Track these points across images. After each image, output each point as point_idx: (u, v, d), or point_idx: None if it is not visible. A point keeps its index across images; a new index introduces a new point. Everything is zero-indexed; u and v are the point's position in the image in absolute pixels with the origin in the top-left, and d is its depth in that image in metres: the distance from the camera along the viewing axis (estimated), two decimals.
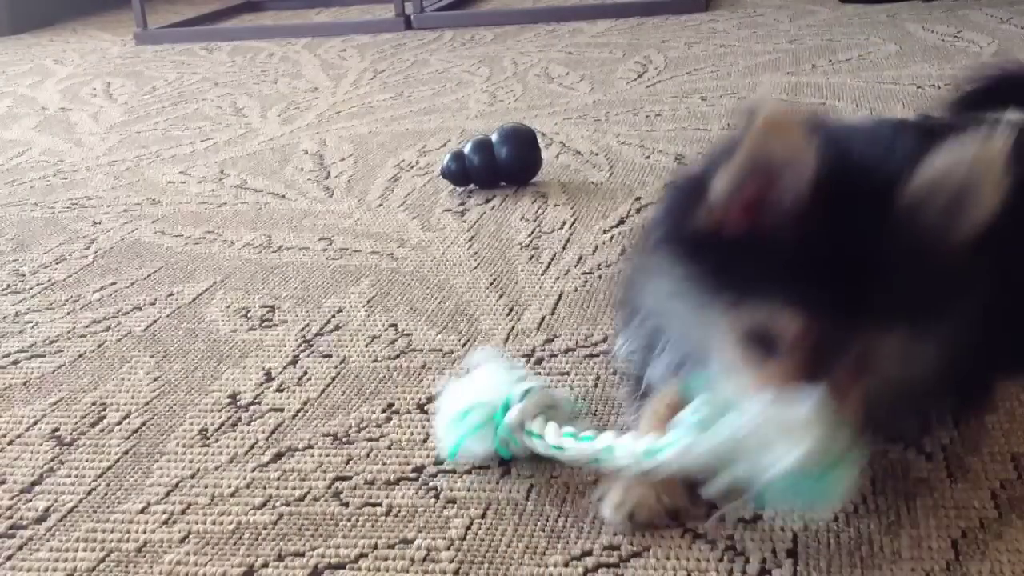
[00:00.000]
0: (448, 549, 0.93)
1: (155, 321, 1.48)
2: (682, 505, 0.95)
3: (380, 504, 1.01)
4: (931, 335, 0.88)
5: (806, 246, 0.85)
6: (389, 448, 1.10)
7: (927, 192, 0.84)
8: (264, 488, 1.05)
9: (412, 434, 1.13)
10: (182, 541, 0.98)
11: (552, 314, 1.39)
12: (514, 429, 1.00)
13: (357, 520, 0.99)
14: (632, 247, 1.05)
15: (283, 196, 2.02)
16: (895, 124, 1.21)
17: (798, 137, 0.83)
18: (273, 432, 1.16)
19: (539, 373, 1.23)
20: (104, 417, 1.22)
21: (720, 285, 0.89)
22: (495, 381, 1.04)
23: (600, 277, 1.51)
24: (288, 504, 1.02)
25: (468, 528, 0.96)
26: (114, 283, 1.64)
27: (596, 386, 1.19)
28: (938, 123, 1.28)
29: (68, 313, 1.54)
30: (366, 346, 1.35)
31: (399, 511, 0.99)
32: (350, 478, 1.05)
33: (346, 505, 1.01)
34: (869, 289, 0.84)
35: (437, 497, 1.01)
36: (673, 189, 1.04)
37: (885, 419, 0.95)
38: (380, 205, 1.92)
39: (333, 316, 1.45)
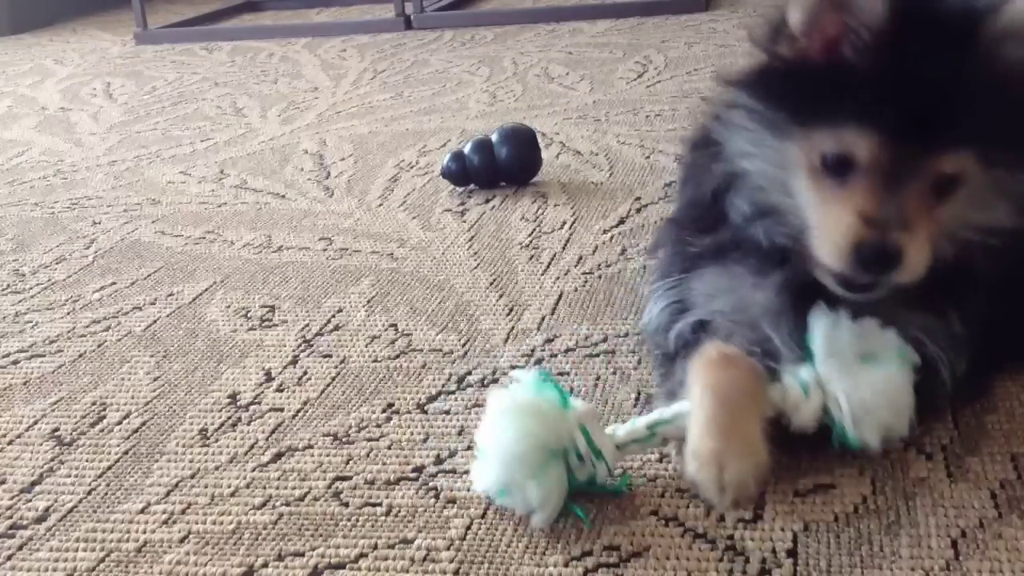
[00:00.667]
0: (448, 549, 0.93)
1: (155, 321, 1.48)
2: (769, 471, 0.92)
3: (380, 504, 1.01)
4: (1005, 170, 0.92)
5: (883, 73, 0.89)
6: (389, 448, 1.10)
7: (1011, 31, 0.88)
8: (264, 488, 1.05)
9: (412, 434, 1.13)
10: (182, 541, 0.98)
11: (552, 314, 1.39)
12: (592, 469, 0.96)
13: (357, 520, 0.99)
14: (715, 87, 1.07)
15: (283, 196, 2.02)
16: None
17: None
18: (273, 432, 1.16)
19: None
20: (104, 417, 1.22)
21: (798, 112, 0.93)
22: (550, 422, 0.96)
23: (600, 277, 1.51)
24: (288, 504, 1.02)
25: (468, 528, 0.96)
26: (114, 283, 1.64)
27: (596, 386, 1.19)
28: None
29: (68, 313, 1.54)
30: (366, 346, 1.35)
31: (399, 511, 0.99)
32: (350, 478, 1.05)
33: (346, 505, 1.01)
34: (944, 115, 0.88)
35: (437, 497, 1.01)
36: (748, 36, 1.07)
37: (955, 266, 0.97)
38: (380, 205, 1.92)
39: (333, 316, 1.45)
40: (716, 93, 1.07)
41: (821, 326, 0.98)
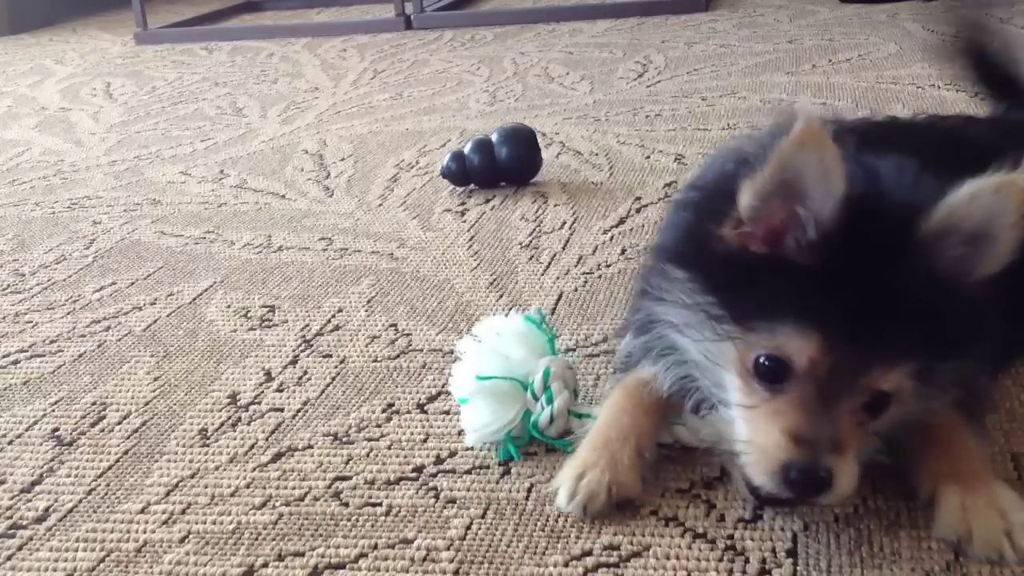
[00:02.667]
0: (448, 549, 0.93)
1: (155, 321, 1.48)
2: (634, 495, 0.96)
3: (380, 504, 1.01)
4: (945, 372, 0.87)
5: (826, 273, 0.83)
6: (389, 448, 1.10)
7: (947, 227, 0.82)
8: (264, 488, 1.05)
9: (412, 434, 1.13)
10: (182, 541, 0.98)
11: (552, 314, 1.39)
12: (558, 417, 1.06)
13: (357, 520, 0.99)
14: (647, 252, 1.05)
15: (283, 196, 2.02)
16: (922, 141, 1.18)
17: (831, 157, 0.81)
18: (273, 432, 1.16)
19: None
20: (104, 417, 1.22)
21: (736, 307, 0.87)
22: (523, 352, 1.09)
23: (600, 277, 1.51)
24: (288, 504, 1.02)
25: (468, 528, 0.96)
26: (114, 283, 1.64)
27: (596, 386, 1.19)
28: (970, 134, 1.27)
29: (68, 313, 1.54)
30: (366, 346, 1.35)
31: (399, 511, 0.99)
32: (350, 478, 1.05)
33: (346, 505, 1.01)
34: (887, 321, 0.82)
35: (437, 497, 1.01)
36: (692, 194, 1.02)
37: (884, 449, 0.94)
38: (380, 205, 1.92)
39: (333, 316, 1.45)
40: (649, 263, 1.03)
41: None
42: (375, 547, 0.94)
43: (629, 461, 0.97)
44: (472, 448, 1.08)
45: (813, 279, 0.84)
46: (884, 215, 0.84)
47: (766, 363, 0.86)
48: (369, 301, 1.49)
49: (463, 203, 1.88)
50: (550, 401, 1.05)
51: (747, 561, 0.89)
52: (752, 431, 0.88)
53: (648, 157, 2.06)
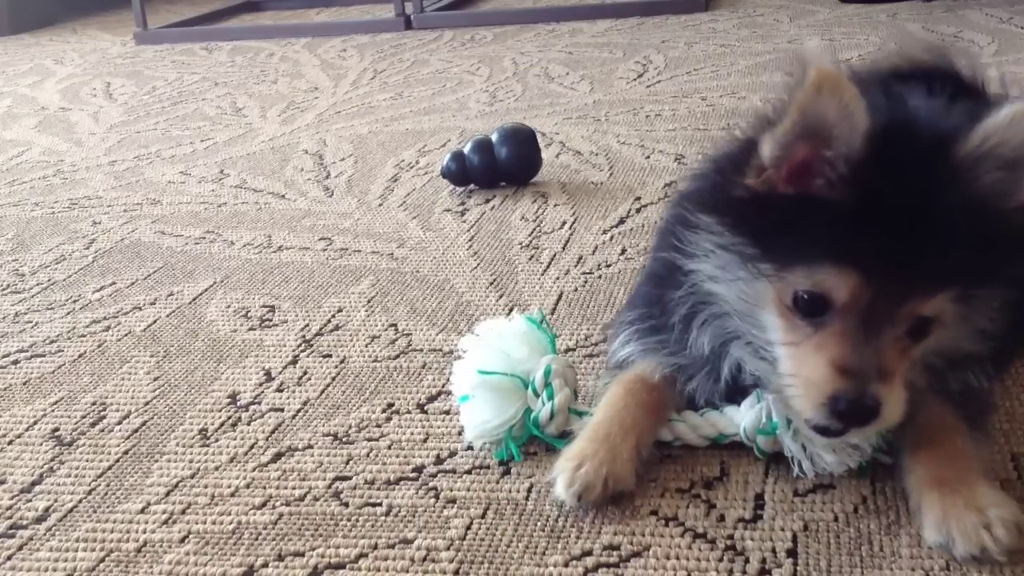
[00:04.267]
0: (448, 549, 0.93)
1: (155, 321, 1.48)
2: (628, 489, 0.97)
3: (380, 504, 1.01)
4: (985, 296, 0.88)
5: (859, 206, 0.83)
6: (389, 448, 1.10)
7: (984, 152, 0.83)
8: (264, 488, 1.05)
9: (412, 434, 1.13)
10: (182, 541, 0.98)
11: (552, 314, 1.39)
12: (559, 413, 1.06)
13: (357, 520, 0.99)
14: (672, 207, 1.03)
15: (283, 196, 2.02)
16: (950, 79, 1.16)
17: (850, 96, 0.81)
18: (273, 432, 1.16)
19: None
20: (104, 417, 1.22)
21: (769, 247, 0.88)
22: (524, 350, 1.09)
23: (600, 277, 1.51)
24: (288, 504, 1.02)
25: (468, 528, 0.96)
26: (114, 283, 1.64)
27: (604, 383, 1.19)
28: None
29: (68, 313, 1.54)
30: (366, 346, 1.35)
31: (399, 511, 0.99)
32: (350, 478, 1.05)
33: (346, 505, 1.01)
34: (924, 250, 0.83)
35: (437, 497, 1.01)
36: (715, 154, 1.01)
37: (936, 384, 0.95)
38: (380, 205, 1.92)
39: (333, 316, 1.45)
40: (669, 215, 1.04)
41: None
42: (375, 547, 0.94)
43: (628, 456, 0.97)
44: (472, 448, 1.08)
45: (847, 213, 0.84)
46: (917, 144, 0.84)
47: (805, 297, 0.86)
48: (369, 301, 1.49)
49: (463, 203, 1.88)
50: (551, 397, 1.05)
51: (747, 561, 0.89)
52: (797, 365, 0.89)
53: (648, 157, 2.06)
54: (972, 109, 0.86)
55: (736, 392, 1.02)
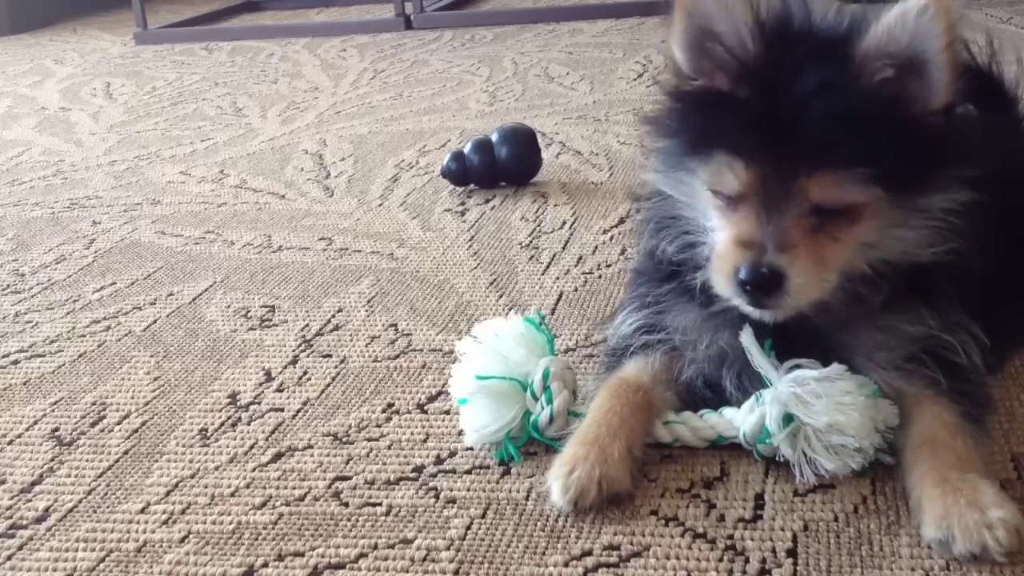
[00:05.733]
0: (448, 549, 0.93)
1: (155, 321, 1.48)
2: (624, 490, 0.97)
3: (380, 504, 1.01)
4: (917, 200, 0.94)
5: (750, 99, 0.92)
6: (389, 448, 1.10)
7: (875, 48, 0.89)
8: (264, 488, 1.05)
9: (412, 434, 1.13)
10: (182, 541, 0.98)
11: (552, 314, 1.39)
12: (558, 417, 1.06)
13: (357, 520, 0.99)
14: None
15: (283, 196, 2.02)
16: None
17: None
18: (273, 432, 1.16)
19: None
20: (104, 417, 1.22)
21: (693, 144, 0.97)
22: (522, 353, 1.09)
23: (600, 277, 1.51)
24: (288, 504, 1.02)
25: (468, 528, 0.96)
26: (114, 283, 1.64)
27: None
28: None
29: (68, 313, 1.54)
30: (366, 346, 1.35)
31: (399, 511, 0.99)
32: (350, 478, 1.05)
33: (346, 505, 1.01)
34: (814, 138, 0.89)
35: (437, 497, 1.01)
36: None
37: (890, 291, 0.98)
38: (380, 205, 1.92)
39: (333, 316, 1.45)
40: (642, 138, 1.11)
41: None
42: (375, 547, 0.94)
43: (619, 456, 0.97)
44: (472, 448, 1.08)
45: (741, 107, 0.93)
46: (809, 41, 0.93)
47: (721, 187, 0.95)
48: (369, 301, 1.49)
49: (463, 203, 1.88)
50: (549, 401, 1.05)
51: (747, 561, 0.89)
52: (717, 248, 0.97)
53: (648, 157, 2.05)
54: (864, 12, 0.92)
55: (733, 356, 1.03)
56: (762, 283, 0.92)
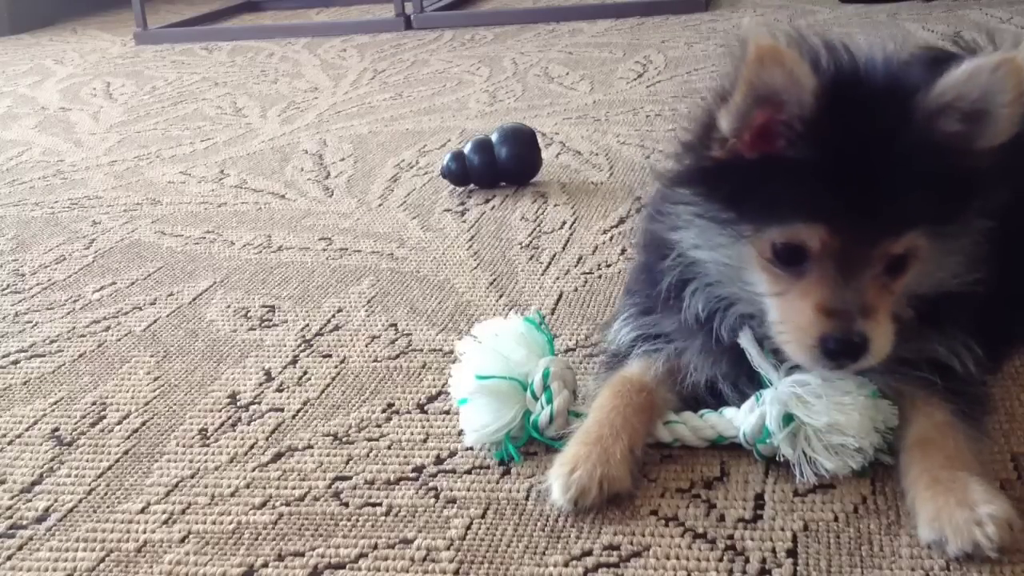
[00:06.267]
0: (448, 549, 0.93)
1: (155, 321, 1.48)
2: (625, 490, 0.97)
3: (380, 504, 1.01)
4: (955, 230, 0.93)
5: (821, 161, 0.88)
6: (389, 448, 1.10)
7: (943, 104, 0.87)
8: (264, 488, 1.05)
9: (412, 434, 1.13)
10: (182, 541, 0.98)
11: (552, 314, 1.39)
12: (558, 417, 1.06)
13: (357, 520, 0.99)
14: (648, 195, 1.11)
15: (283, 196, 2.02)
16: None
17: (792, 61, 0.86)
18: (273, 432, 1.16)
19: None
20: (104, 417, 1.22)
21: (743, 210, 0.92)
22: (522, 352, 1.09)
23: (600, 277, 1.51)
24: (288, 504, 1.02)
25: (468, 528, 0.96)
26: (114, 283, 1.64)
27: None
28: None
29: (68, 313, 1.54)
30: (366, 346, 1.35)
31: (399, 511, 0.99)
32: (350, 478, 1.05)
33: (346, 505, 1.01)
34: (889, 198, 0.88)
35: (437, 497, 1.01)
36: (682, 133, 1.05)
37: (926, 326, 0.98)
38: (380, 205, 1.92)
39: (333, 316, 1.45)
40: (653, 193, 1.08)
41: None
42: (375, 547, 0.94)
43: (621, 456, 0.97)
44: (472, 448, 1.08)
45: (811, 168, 0.88)
46: (872, 97, 0.90)
47: (783, 248, 0.91)
48: (369, 301, 1.49)
49: (463, 203, 1.88)
50: (549, 401, 1.05)
51: (747, 561, 0.89)
52: (784, 313, 0.93)
53: (648, 157, 2.06)
54: (929, 66, 0.91)
55: (732, 362, 1.03)
56: (852, 351, 0.90)
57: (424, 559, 0.92)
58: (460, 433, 1.10)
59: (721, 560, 0.89)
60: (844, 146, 0.88)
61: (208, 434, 1.16)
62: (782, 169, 0.90)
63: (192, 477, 1.08)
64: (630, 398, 1.03)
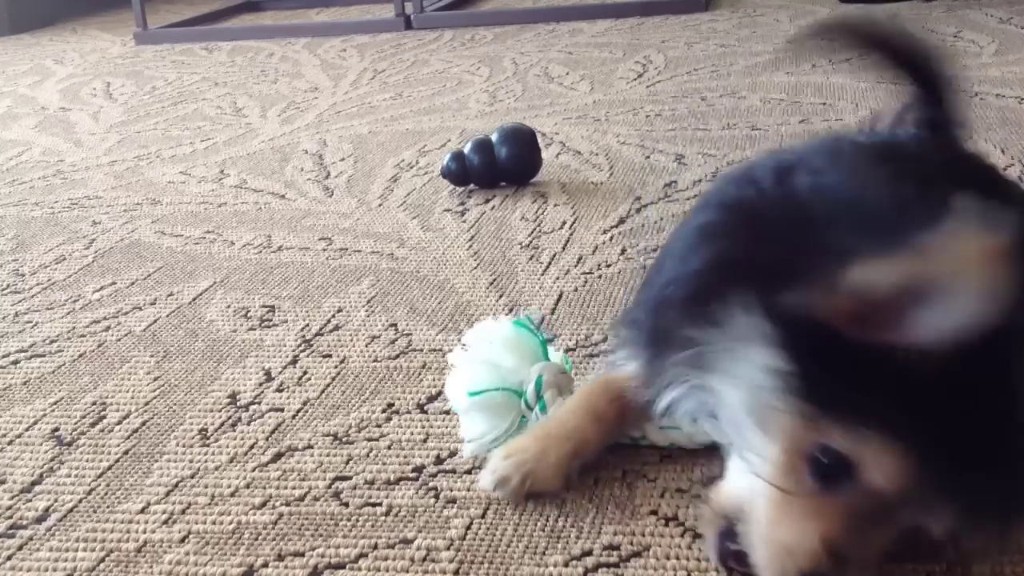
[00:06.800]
0: (448, 549, 0.93)
1: (155, 321, 1.48)
2: (549, 492, 0.97)
3: (380, 504, 1.01)
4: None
5: (937, 385, 0.69)
6: (389, 448, 1.10)
7: None
8: (264, 488, 1.05)
9: (412, 434, 1.13)
10: (182, 541, 0.98)
11: (552, 314, 1.39)
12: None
13: (357, 520, 0.99)
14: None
15: (283, 196, 2.02)
16: None
17: (997, 281, 0.63)
18: (273, 432, 1.16)
19: None
20: (104, 417, 1.22)
21: (815, 380, 0.72)
22: (514, 360, 1.08)
23: (600, 277, 1.51)
24: (288, 504, 1.02)
25: (468, 528, 0.96)
26: (114, 283, 1.64)
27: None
28: None
29: (68, 313, 1.54)
30: (366, 346, 1.35)
31: (399, 511, 0.99)
32: (350, 478, 1.05)
33: (346, 505, 1.01)
34: (980, 467, 0.70)
35: (437, 497, 1.01)
36: (734, 218, 0.87)
37: None
38: (380, 205, 1.92)
39: (333, 316, 1.45)
40: (706, 257, 0.88)
41: None
42: (375, 547, 0.94)
43: (555, 459, 0.97)
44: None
45: (919, 388, 0.69)
46: (1012, 344, 0.69)
47: (827, 459, 0.73)
48: (369, 301, 1.49)
49: (463, 203, 1.88)
50: (543, 410, 1.04)
51: None
52: (777, 523, 0.77)
53: (648, 157, 2.06)
54: None
55: None
56: None
57: (424, 559, 0.92)
58: (461, 442, 1.10)
59: None
60: (967, 388, 0.69)
61: (208, 434, 1.16)
62: (882, 363, 0.70)
63: (192, 477, 1.08)
64: (595, 403, 1.01)
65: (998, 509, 0.73)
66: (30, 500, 1.07)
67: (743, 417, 0.79)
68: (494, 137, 1.93)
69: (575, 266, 1.55)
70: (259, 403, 1.23)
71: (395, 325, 1.40)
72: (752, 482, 0.79)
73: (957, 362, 0.68)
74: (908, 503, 0.72)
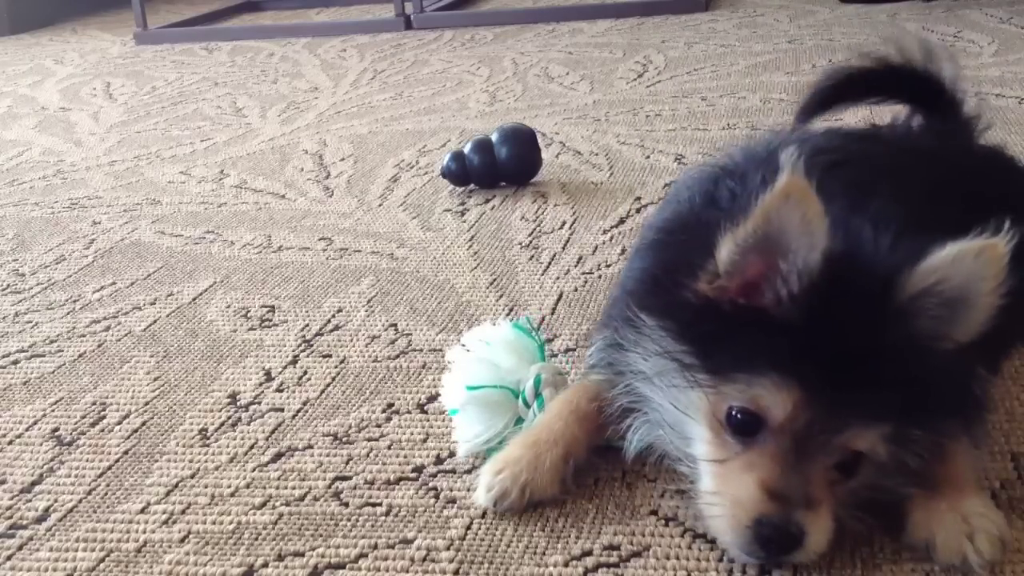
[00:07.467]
0: (448, 549, 0.93)
1: (155, 321, 1.48)
2: (549, 498, 0.97)
3: (380, 504, 1.01)
4: (919, 437, 0.85)
5: (806, 327, 0.81)
6: (389, 448, 1.10)
7: (927, 288, 0.81)
8: (264, 488, 1.05)
9: (412, 434, 1.13)
10: (182, 541, 0.98)
11: (552, 314, 1.39)
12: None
13: (357, 520, 0.99)
14: (613, 299, 1.02)
15: (283, 196, 2.02)
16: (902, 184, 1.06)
17: (814, 211, 0.80)
18: (273, 432, 1.16)
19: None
20: (104, 417, 1.22)
21: (710, 357, 0.85)
22: (513, 360, 1.08)
23: (600, 277, 1.51)
24: (288, 504, 1.02)
25: (468, 528, 0.96)
26: (114, 283, 1.64)
27: None
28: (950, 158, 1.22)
29: (68, 313, 1.54)
30: (366, 346, 1.35)
31: (399, 511, 0.99)
32: (350, 478, 1.05)
33: (346, 505, 1.01)
34: (865, 381, 0.81)
35: (437, 497, 1.01)
36: (659, 237, 1.02)
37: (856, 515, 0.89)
38: (380, 205, 1.92)
39: (333, 316, 1.45)
40: (617, 310, 1.01)
41: None
42: (375, 547, 0.94)
43: (550, 464, 0.97)
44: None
45: (792, 333, 0.82)
46: (864, 273, 0.83)
47: (739, 416, 0.84)
48: (369, 301, 1.49)
49: (463, 203, 1.88)
50: (541, 408, 1.04)
51: None
52: (722, 484, 0.86)
53: (648, 157, 2.06)
54: (920, 241, 0.83)
55: None
56: (786, 543, 0.82)
57: (424, 559, 0.92)
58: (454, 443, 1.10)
59: (721, 560, 0.89)
60: (832, 319, 0.81)
61: (208, 434, 1.16)
62: (762, 324, 0.83)
63: (192, 477, 1.08)
64: (578, 405, 1.01)
65: (908, 414, 0.83)
66: (30, 500, 1.07)
67: (671, 414, 0.91)
68: (494, 137, 1.93)
69: (575, 266, 1.55)
70: (259, 403, 1.23)
71: (395, 325, 1.40)
72: (698, 469, 0.89)
73: (815, 301, 0.81)
74: (819, 430, 0.82)
